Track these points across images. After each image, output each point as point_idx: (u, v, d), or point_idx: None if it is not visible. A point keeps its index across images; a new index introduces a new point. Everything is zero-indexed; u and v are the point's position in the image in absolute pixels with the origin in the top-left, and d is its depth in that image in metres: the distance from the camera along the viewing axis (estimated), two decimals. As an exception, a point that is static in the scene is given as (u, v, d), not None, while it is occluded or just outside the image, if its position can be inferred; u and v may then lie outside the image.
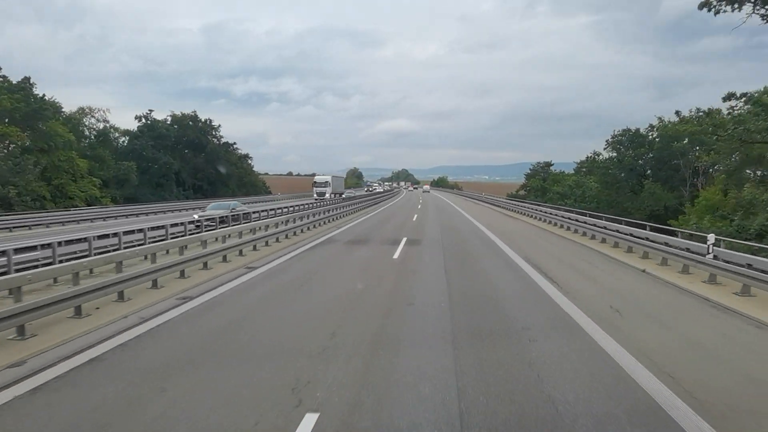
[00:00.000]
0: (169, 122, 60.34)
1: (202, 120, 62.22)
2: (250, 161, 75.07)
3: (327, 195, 57.93)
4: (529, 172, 79.75)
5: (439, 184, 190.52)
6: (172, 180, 53.87)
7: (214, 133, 63.44)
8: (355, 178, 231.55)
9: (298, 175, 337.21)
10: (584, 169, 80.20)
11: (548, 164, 78.31)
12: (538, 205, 39.93)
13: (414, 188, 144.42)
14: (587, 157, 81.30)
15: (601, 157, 52.95)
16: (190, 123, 60.78)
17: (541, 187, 73.96)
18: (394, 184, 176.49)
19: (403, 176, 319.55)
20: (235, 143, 66.74)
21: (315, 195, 59.79)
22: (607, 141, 51.57)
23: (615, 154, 50.89)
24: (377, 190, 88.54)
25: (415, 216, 34.17)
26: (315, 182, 64.90)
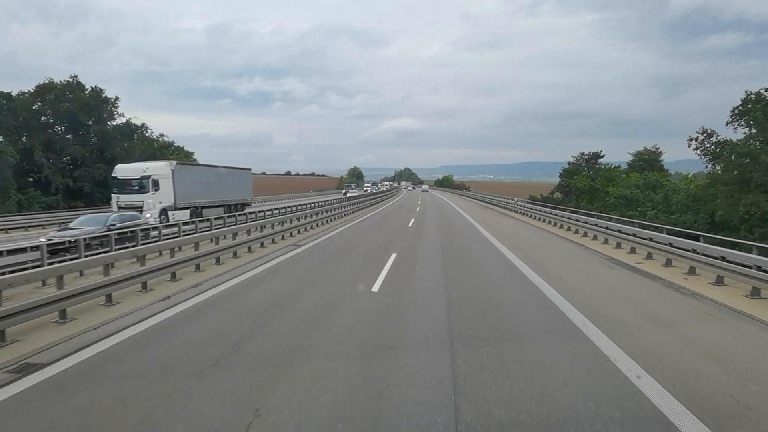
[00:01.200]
0: (33, 92, 39.37)
1: (88, 89, 41.18)
2: (180, 152, 53.90)
3: (151, 216, 23.08)
4: (569, 167, 58.27)
5: (444, 183, 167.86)
6: (9, 180, 32.93)
7: (109, 108, 42.45)
8: (354, 177, 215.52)
9: (297, 174, 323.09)
10: (641, 164, 59.12)
11: (597, 156, 56.75)
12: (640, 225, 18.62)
13: (413, 187, 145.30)
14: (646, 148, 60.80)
15: (715, 138, 31.46)
16: (68, 94, 39.91)
17: (590, 188, 52.44)
18: (395, 184, 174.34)
19: (406, 175, 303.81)
20: (144, 124, 45.60)
21: (115, 212, 22.14)
22: (733, 112, 30.15)
23: (750, 132, 29.43)
24: (356, 192, 63.86)
25: (379, 281, 11.09)
26: (116, 179, 26.64)
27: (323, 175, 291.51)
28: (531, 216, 32.07)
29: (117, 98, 42.99)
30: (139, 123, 44.97)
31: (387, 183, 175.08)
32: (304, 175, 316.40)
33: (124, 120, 44.26)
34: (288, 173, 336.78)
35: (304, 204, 33.64)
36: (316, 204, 34.14)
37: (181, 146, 62.94)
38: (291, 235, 20.62)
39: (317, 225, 25.54)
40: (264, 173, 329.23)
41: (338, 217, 31.66)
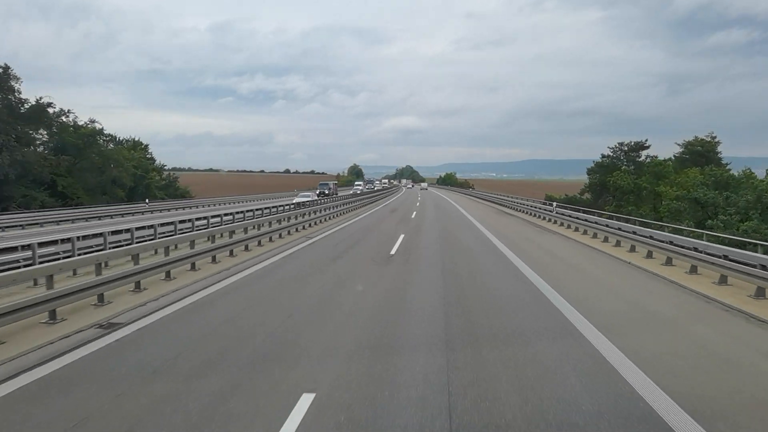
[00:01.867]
0: None
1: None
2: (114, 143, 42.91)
3: None
4: (603, 160, 47.09)
5: (446, 181, 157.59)
6: None
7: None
8: (354, 175, 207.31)
9: (296, 172, 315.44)
10: (687, 157, 48.08)
11: (640, 146, 45.58)
12: None
13: (412, 185, 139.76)
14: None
15: None
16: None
17: (635, 187, 41.34)
18: (394, 182, 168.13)
19: (407, 173, 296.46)
20: (52, 103, 34.52)
21: None
22: None
23: None
24: (309, 197, 43.40)
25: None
26: None
27: (323, 173, 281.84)
28: (582, 231, 21.01)
29: (8, 67, 31.90)
30: (46, 102, 33.65)
31: (386, 181, 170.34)
32: (303, 173, 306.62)
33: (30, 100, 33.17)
34: (287, 171, 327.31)
35: (227, 213, 22.69)
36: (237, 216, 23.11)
37: (134, 138, 52.30)
38: (169, 276, 9.73)
39: (248, 249, 14.59)
40: (262, 171, 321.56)
41: (296, 230, 20.85)
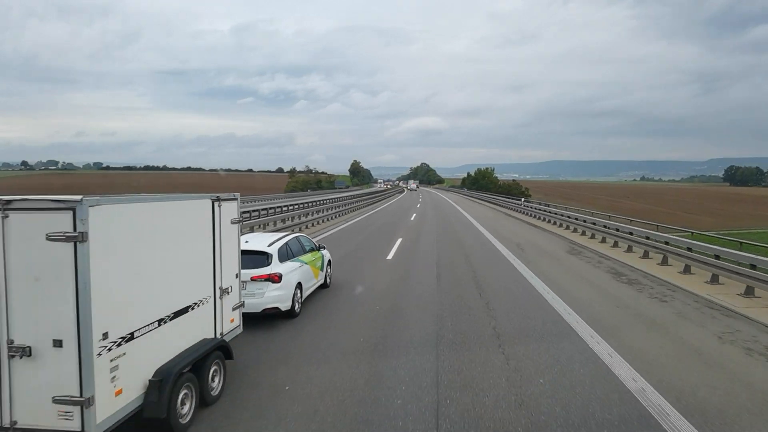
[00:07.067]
0: None
1: None
2: None
3: None
4: None
5: (476, 182, 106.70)
6: None
7: None
8: (350, 175, 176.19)
9: (291, 170, 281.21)
10: None
11: None
12: None
13: (409, 187, 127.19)
14: None
15: None
16: None
17: None
18: (401, 183, 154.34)
19: (422, 173, 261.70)
20: None
21: None
22: None
23: None
24: None
25: None
26: None
27: (323, 173, 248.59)
28: None
29: None
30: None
31: (391, 182, 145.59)
32: (300, 172, 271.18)
33: None
34: (280, 170, 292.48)
35: None
36: None
37: None
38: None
39: None
40: (251, 170, 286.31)
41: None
